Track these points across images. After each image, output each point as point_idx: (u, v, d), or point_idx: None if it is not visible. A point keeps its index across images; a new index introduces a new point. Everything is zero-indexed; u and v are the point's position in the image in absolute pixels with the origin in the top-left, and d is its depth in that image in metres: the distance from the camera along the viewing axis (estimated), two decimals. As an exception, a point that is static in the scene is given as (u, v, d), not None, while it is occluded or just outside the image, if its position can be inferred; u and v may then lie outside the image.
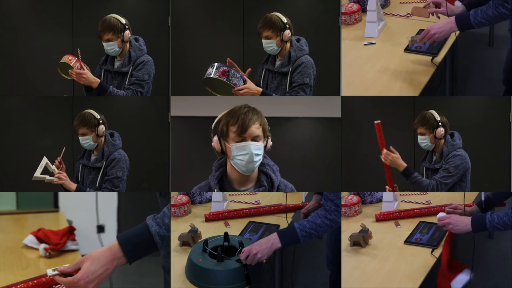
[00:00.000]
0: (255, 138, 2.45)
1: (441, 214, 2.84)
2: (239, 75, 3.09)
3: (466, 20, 2.90)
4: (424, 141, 3.14)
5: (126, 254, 2.21)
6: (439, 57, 3.24)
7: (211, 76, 3.08)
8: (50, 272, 2.22)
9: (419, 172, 3.17)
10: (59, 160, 3.17)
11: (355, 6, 3.52)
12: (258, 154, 2.45)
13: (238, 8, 3.96)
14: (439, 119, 3.12)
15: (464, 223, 2.77)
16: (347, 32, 3.27)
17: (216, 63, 3.11)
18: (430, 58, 3.25)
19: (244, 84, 3.10)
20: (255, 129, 2.45)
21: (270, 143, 2.52)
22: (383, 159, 3.09)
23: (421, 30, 3.16)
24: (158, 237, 2.22)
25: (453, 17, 2.96)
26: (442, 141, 3.14)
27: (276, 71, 3.23)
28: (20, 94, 3.93)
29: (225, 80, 3.07)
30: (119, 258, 2.21)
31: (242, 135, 2.43)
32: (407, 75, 3.15)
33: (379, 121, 3.00)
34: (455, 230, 2.80)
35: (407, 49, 3.29)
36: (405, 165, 3.09)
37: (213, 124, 2.52)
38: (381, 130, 3.02)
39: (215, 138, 2.51)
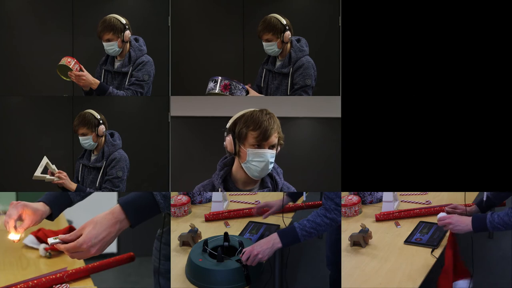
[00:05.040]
0: (271, 147, 2.47)
1: (441, 214, 2.84)
2: (240, 87, 3.11)
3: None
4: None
5: (128, 216, 2.16)
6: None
7: (216, 91, 3.09)
8: (51, 240, 2.17)
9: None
10: (57, 172, 3.16)
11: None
12: (272, 162, 2.48)
13: (238, 8, 3.96)
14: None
15: (464, 223, 2.77)
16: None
17: (218, 78, 3.11)
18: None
19: (246, 95, 3.12)
20: (274, 137, 2.47)
21: (279, 148, 2.54)
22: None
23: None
24: (160, 197, 2.19)
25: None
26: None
27: (276, 71, 3.23)
28: (20, 94, 3.93)
29: (227, 94, 3.08)
30: (121, 221, 2.17)
31: (262, 143, 2.44)
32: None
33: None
34: (455, 230, 2.80)
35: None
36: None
37: (229, 123, 2.51)
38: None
39: (229, 138, 2.50)
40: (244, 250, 2.67)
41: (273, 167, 2.56)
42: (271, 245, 2.68)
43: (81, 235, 2.14)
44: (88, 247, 2.11)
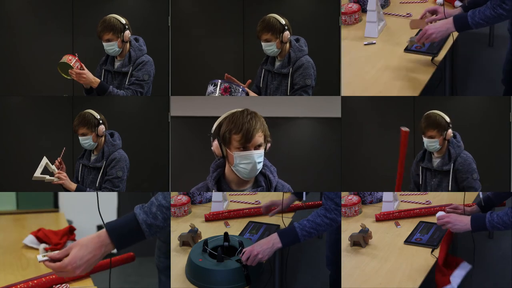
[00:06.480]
0: (257, 147, 2.43)
1: (440, 213, 2.84)
2: (240, 89, 3.10)
3: (464, 20, 2.91)
4: (433, 143, 3.07)
5: (113, 241, 2.25)
6: (439, 57, 3.24)
7: (216, 95, 3.08)
8: (40, 257, 2.27)
9: (416, 173, 3.15)
10: (59, 160, 3.17)
11: (355, 6, 3.52)
12: (260, 162, 2.45)
13: (238, 8, 3.96)
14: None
15: (463, 222, 2.77)
16: (347, 32, 3.27)
17: (218, 81, 3.10)
18: (430, 58, 3.25)
19: (246, 95, 3.11)
20: (259, 137, 2.42)
21: (268, 145, 2.51)
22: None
23: (420, 31, 3.17)
24: (145, 225, 2.26)
25: (451, 18, 2.97)
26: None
27: (276, 72, 3.23)
28: (20, 94, 3.94)
29: (228, 96, 3.08)
30: (106, 245, 2.25)
31: (246, 145, 2.41)
32: (407, 75, 3.15)
33: (408, 129, 2.90)
34: (454, 229, 2.80)
35: (407, 49, 3.30)
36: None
37: (213, 128, 2.49)
38: (407, 139, 2.90)
39: (215, 143, 2.49)
40: (244, 250, 2.67)
41: (267, 166, 2.54)
42: (271, 245, 2.68)
43: (68, 254, 2.24)
44: (73, 268, 2.22)
